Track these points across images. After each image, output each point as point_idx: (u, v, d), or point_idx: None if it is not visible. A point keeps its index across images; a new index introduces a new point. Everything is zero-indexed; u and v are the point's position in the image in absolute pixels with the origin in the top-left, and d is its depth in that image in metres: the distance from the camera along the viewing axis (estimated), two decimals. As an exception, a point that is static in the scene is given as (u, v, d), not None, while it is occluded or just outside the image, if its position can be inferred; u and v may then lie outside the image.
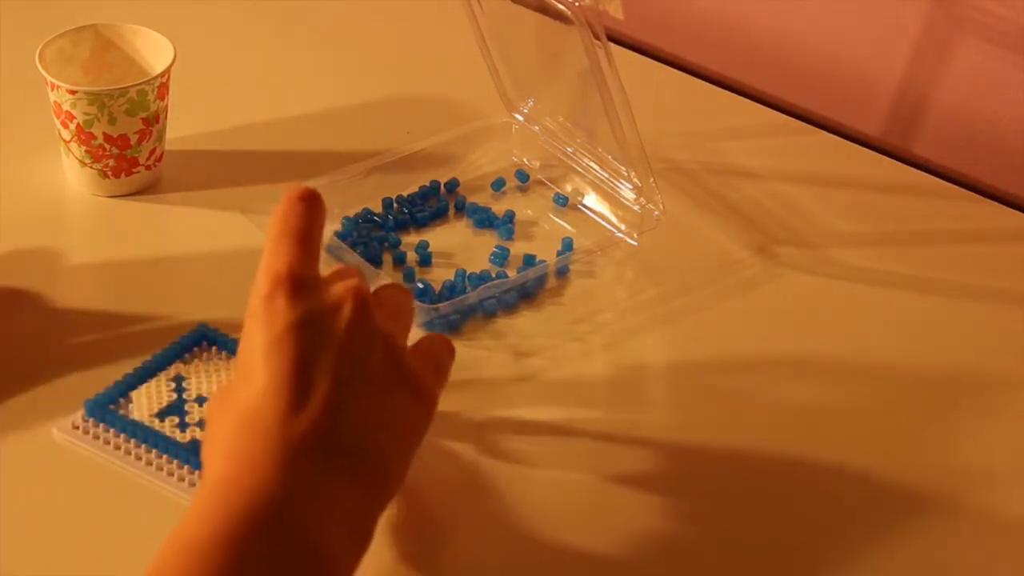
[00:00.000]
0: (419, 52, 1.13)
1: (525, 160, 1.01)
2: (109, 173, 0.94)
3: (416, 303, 0.86)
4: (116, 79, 0.96)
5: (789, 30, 1.11)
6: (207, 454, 0.64)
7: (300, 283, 0.64)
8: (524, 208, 0.97)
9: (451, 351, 0.76)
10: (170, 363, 0.81)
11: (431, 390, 0.69)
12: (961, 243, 0.98)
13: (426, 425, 0.68)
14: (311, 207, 0.67)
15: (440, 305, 0.86)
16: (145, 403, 0.78)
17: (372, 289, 0.70)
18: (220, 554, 0.58)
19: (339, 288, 0.65)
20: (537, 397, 0.83)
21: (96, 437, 0.77)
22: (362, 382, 0.64)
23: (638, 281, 0.92)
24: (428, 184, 0.98)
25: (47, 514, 0.75)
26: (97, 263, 0.91)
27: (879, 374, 0.87)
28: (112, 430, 0.77)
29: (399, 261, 0.92)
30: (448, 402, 0.82)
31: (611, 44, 0.84)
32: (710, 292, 0.91)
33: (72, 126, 0.92)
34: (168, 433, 0.77)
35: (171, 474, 0.75)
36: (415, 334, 0.86)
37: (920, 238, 0.98)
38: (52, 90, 0.92)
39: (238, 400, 0.63)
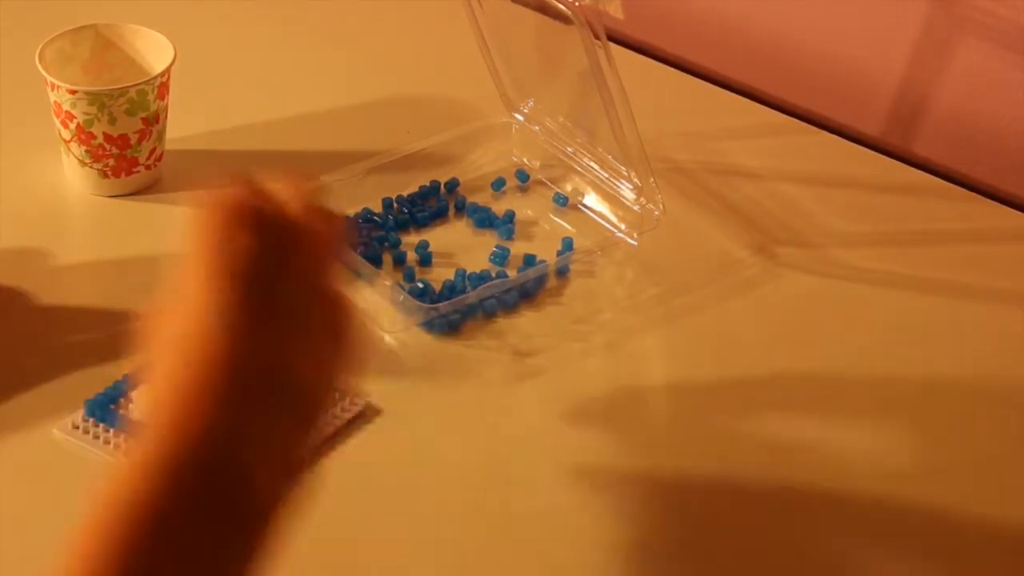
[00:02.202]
0: (419, 52, 1.13)
1: (525, 160, 1.01)
2: (109, 173, 0.94)
3: (416, 303, 0.86)
4: (116, 79, 0.96)
5: (789, 30, 1.11)
6: (154, 392, 0.62)
7: (257, 214, 0.63)
8: (524, 208, 0.97)
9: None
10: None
11: (348, 308, 0.66)
12: (961, 243, 0.98)
13: (348, 353, 0.66)
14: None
15: (440, 305, 0.86)
16: (144, 403, 0.78)
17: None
18: (156, 484, 0.58)
19: (297, 223, 0.64)
20: (537, 397, 0.83)
21: (96, 437, 0.77)
22: (305, 322, 0.63)
23: (638, 281, 0.92)
24: (428, 184, 0.98)
25: (46, 514, 0.75)
26: (97, 263, 0.91)
27: (879, 374, 0.87)
28: (112, 430, 0.77)
29: (399, 261, 0.92)
30: (448, 401, 0.82)
31: (611, 44, 0.84)
32: (710, 292, 0.91)
33: (72, 126, 0.92)
34: (168, 433, 0.77)
35: (171, 474, 0.75)
36: (416, 334, 0.86)
37: (920, 238, 0.98)
38: (52, 90, 0.92)
39: (179, 325, 0.62)
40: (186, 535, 0.58)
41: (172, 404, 0.60)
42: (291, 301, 0.63)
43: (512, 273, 0.91)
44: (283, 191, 0.66)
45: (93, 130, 0.92)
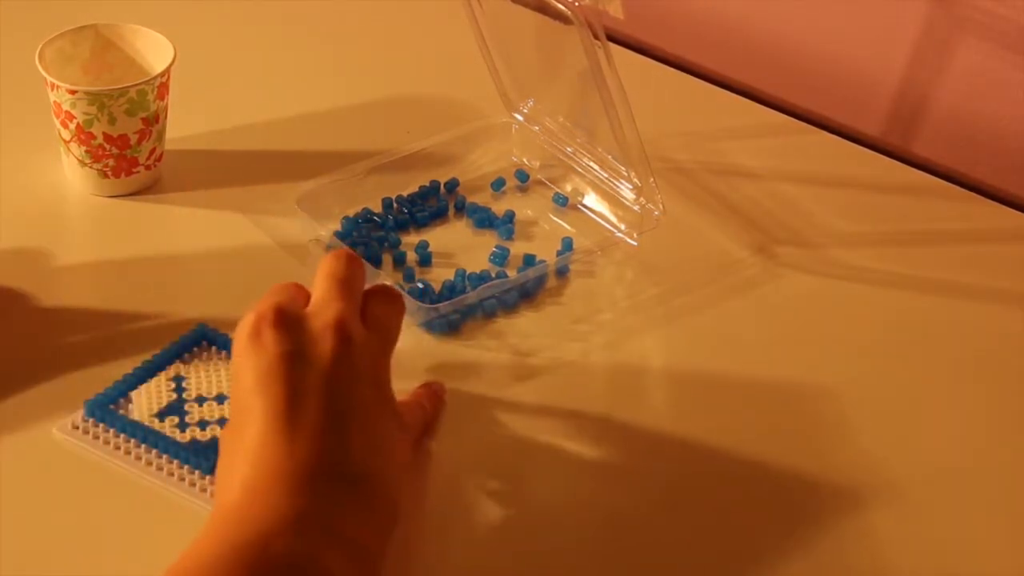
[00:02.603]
0: (419, 52, 1.13)
1: (525, 160, 1.01)
2: (109, 173, 0.94)
3: (416, 303, 0.86)
4: (116, 79, 0.96)
5: (789, 30, 1.11)
6: (220, 485, 0.66)
7: (283, 317, 0.66)
8: (524, 208, 0.97)
9: (441, 403, 0.80)
10: (170, 363, 0.81)
11: (404, 420, 0.71)
12: (961, 243, 0.98)
13: (408, 454, 0.70)
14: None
15: (440, 305, 0.86)
16: (145, 403, 0.78)
17: (364, 289, 0.71)
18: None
19: (321, 320, 0.67)
20: (537, 397, 0.83)
21: (96, 437, 0.77)
22: (352, 410, 0.66)
23: (638, 281, 0.92)
24: (428, 184, 0.98)
25: (47, 514, 0.75)
26: (97, 263, 0.91)
27: (879, 373, 0.87)
28: (112, 430, 0.77)
29: (399, 261, 0.92)
30: (448, 401, 0.82)
31: (611, 44, 0.84)
32: (710, 292, 0.91)
33: (72, 126, 0.92)
34: (168, 433, 0.77)
35: (171, 474, 0.75)
36: (416, 334, 0.86)
37: (920, 238, 0.98)
38: (52, 90, 0.92)
39: (244, 434, 0.65)
40: None
41: (244, 498, 0.63)
42: (365, 403, 0.66)
43: (512, 273, 0.91)
44: (331, 278, 0.70)
45: (93, 130, 0.92)
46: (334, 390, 0.65)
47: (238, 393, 0.66)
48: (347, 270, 0.70)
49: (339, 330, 0.67)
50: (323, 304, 0.68)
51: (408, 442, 0.71)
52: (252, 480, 0.63)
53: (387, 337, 0.71)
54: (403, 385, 0.83)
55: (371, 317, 0.70)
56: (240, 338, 0.67)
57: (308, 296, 0.70)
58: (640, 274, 0.93)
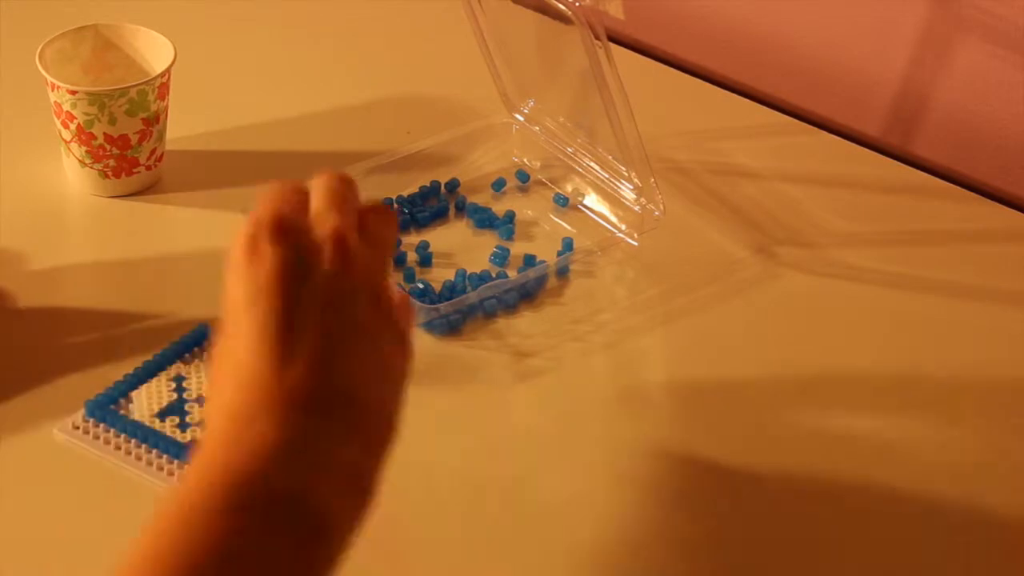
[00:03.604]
0: (419, 52, 1.13)
1: (525, 160, 1.01)
2: (109, 173, 0.94)
3: (417, 303, 0.86)
4: (116, 79, 0.96)
5: (789, 30, 1.11)
6: (208, 410, 0.62)
7: (282, 227, 0.62)
8: (524, 208, 0.97)
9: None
10: (170, 363, 0.81)
11: (405, 330, 0.66)
12: (961, 243, 0.98)
13: (409, 369, 0.66)
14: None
15: (440, 305, 0.86)
16: (145, 403, 0.78)
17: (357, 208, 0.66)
18: (218, 513, 0.57)
19: (319, 232, 0.63)
20: (537, 397, 0.83)
21: (96, 437, 0.77)
22: (350, 332, 0.62)
23: (638, 281, 0.92)
24: (428, 184, 0.98)
25: (47, 514, 0.75)
26: (98, 263, 0.91)
27: (879, 373, 0.87)
28: (112, 430, 0.77)
29: (399, 261, 0.92)
30: (448, 402, 0.82)
31: (611, 44, 0.84)
32: (710, 292, 0.91)
33: (72, 126, 0.92)
34: (169, 433, 0.77)
35: (172, 474, 0.75)
36: (417, 334, 0.86)
37: (920, 238, 0.98)
38: (52, 90, 0.92)
39: (232, 354, 0.61)
40: (249, 555, 0.56)
41: (230, 426, 0.59)
42: (336, 313, 0.62)
43: (512, 273, 0.91)
44: (327, 194, 0.65)
45: (93, 130, 0.92)
46: (332, 307, 0.61)
47: (229, 308, 0.62)
48: (342, 185, 0.66)
49: (338, 242, 0.62)
50: (321, 216, 0.64)
51: (407, 351, 0.66)
52: (240, 406, 0.59)
53: (385, 251, 0.66)
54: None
55: (368, 232, 0.65)
56: (236, 251, 0.62)
57: (307, 200, 0.65)
58: (640, 274, 0.93)
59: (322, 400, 0.60)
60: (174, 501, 0.58)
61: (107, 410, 0.78)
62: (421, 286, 0.89)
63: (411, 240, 0.93)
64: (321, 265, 0.62)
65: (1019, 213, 1.01)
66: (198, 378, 0.80)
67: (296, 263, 0.61)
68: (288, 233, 0.62)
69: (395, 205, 0.96)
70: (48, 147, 0.96)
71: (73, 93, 0.90)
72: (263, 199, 0.64)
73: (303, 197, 0.65)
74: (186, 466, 0.59)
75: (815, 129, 1.08)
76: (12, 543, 0.72)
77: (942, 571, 0.75)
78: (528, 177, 0.99)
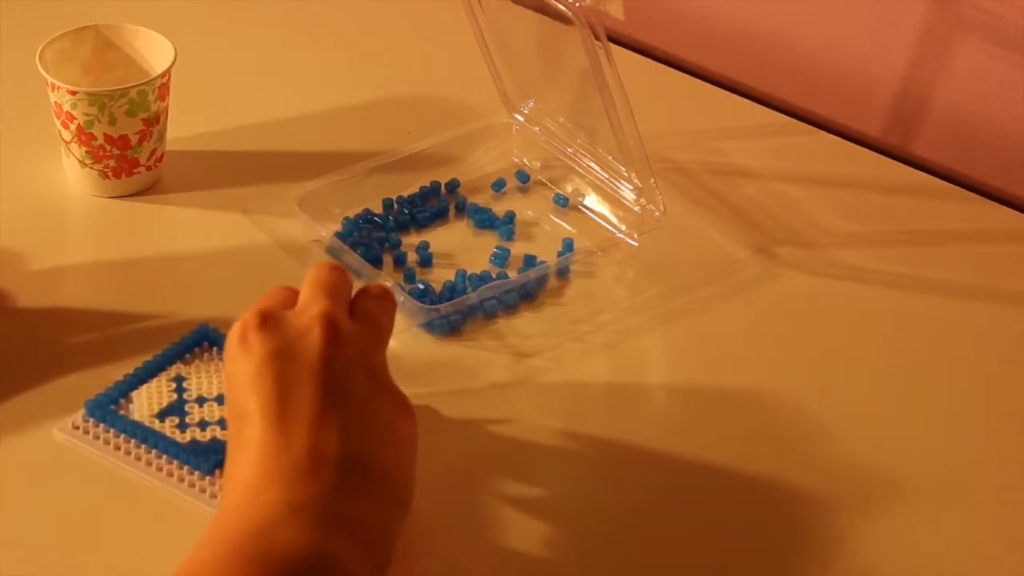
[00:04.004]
0: (419, 52, 1.13)
1: (525, 161, 1.01)
2: (110, 174, 0.94)
3: (417, 304, 0.86)
4: (117, 79, 0.96)
5: (789, 30, 1.11)
6: (224, 492, 0.67)
7: (267, 318, 0.68)
8: (524, 209, 0.97)
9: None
10: (170, 363, 0.81)
11: (409, 402, 0.71)
12: (961, 243, 0.98)
13: (416, 437, 0.70)
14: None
15: (441, 306, 0.86)
16: (145, 403, 0.78)
17: (354, 292, 0.71)
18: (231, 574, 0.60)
19: (306, 316, 0.68)
20: (537, 397, 0.83)
21: (96, 437, 0.77)
22: (346, 397, 0.66)
23: (638, 281, 0.92)
24: (428, 184, 0.98)
25: (47, 514, 0.75)
26: (98, 264, 0.91)
27: (879, 373, 0.87)
28: (112, 430, 0.77)
29: (399, 262, 0.92)
30: (449, 402, 0.82)
31: (611, 44, 0.84)
32: (710, 292, 0.91)
33: (72, 127, 0.92)
34: (168, 433, 0.77)
35: (171, 474, 0.75)
36: (417, 335, 0.86)
37: (920, 238, 0.98)
38: (53, 91, 0.92)
39: (243, 438, 0.66)
40: None
41: (243, 497, 0.63)
42: (360, 391, 0.67)
43: (512, 274, 0.91)
44: (314, 283, 0.70)
45: (93, 131, 0.92)
46: (325, 379, 0.66)
47: (234, 400, 0.67)
48: (330, 276, 0.71)
49: (325, 322, 0.67)
50: (308, 303, 0.69)
51: (412, 421, 0.70)
52: (253, 479, 0.64)
53: (378, 329, 0.71)
54: (403, 386, 0.83)
55: (360, 312, 0.71)
56: (230, 346, 0.68)
57: (295, 295, 0.71)
58: (640, 274, 0.93)
59: (330, 460, 0.64)
60: (191, 568, 0.60)
61: (107, 410, 0.78)
62: (422, 287, 0.89)
63: (411, 240, 0.93)
64: (310, 343, 0.67)
65: (1019, 213, 1.01)
66: (198, 378, 0.80)
67: (283, 346, 0.67)
68: (272, 320, 0.68)
69: (396, 205, 0.96)
70: (48, 147, 0.96)
71: (73, 93, 0.90)
72: (255, 303, 0.70)
73: (291, 293, 0.71)
74: (203, 537, 0.63)
75: (815, 129, 1.08)
76: (12, 543, 0.72)
77: (944, 570, 0.75)
78: (528, 177, 0.99)
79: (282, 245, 0.92)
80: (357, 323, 0.69)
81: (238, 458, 0.65)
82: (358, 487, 0.64)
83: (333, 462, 0.64)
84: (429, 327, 0.86)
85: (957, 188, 1.02)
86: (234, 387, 0.67)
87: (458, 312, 0.87)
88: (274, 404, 0.65)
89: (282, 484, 0.63)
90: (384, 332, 0.72)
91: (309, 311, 0.68)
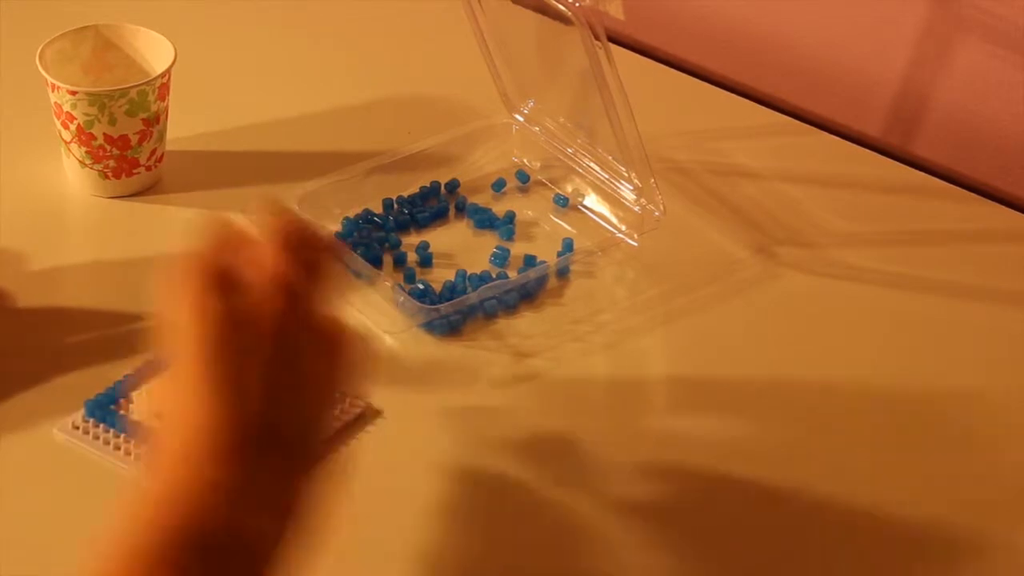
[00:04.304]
0: (419, 52, 1.13)
1: (525, 161, 1.01)
2: (109, 174, 0.94)
3: (417, 304, 0.86)
4: (117, 80, 0.96)
5: (789, 30, 1.11)
6: (157, 454, 0.62)
7: (216, 276, 0.62)
8: (524, 209, 0.97)
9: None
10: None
11: (336, 332, 0.65)
12: (961, 243, 0.98)
13: (340, 367, 0.65)
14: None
15: (441, 306, 0.86)
16: (145, 403, 0.78)
17: (286, 234, 0.65)
18: (164, 557, 0.59)
19: (266, 279, 0.62)
20: (537, 397, 0.83)
21: (96, 437, 0.77)
22: (289, 371, 0.62)
23: (638, 281, 0.92)
24: (428, 185, 0.98)
25: (47, 514, 0.75)
26: (98, 263, 0.91)
27: (879, 373, 0.87)
28: (112, 430, 0.77)
29: (399, 262, 0.92)
30: (449, 402, 0.82)
31: (611, 44, 0.84)
32: (710, 292, 0.91)
33: (72, 127, 0.92)
34: (168, 433, 0.77)
35: (171, 474, 0.75)
36: (417, 335, 0.86)
37: (920, 238, 0.98)
38: (53, 91, 0.92)
39: (179, 399, 0.62)
40: None
41: (179, 470, 0.61)
42: (301, 357, 0.63)
43: (512, 274, 0.91)
44: (259, 227, 0.65)
45: (93, 131, 0.92)
46: (276, 354, 0.62)
47: (170, 353, 0.62)
48: (293, 232, 0.65)
49: (287, 292, 0.62)
50: (268, 263, 0.63)
51: (339, 355, 0.65)
52: (184, 451, 0.60)
53: (325, 282, 0.65)
54: (403, 386, 0.83)
55: (309, 264, 0.65)
56: (172, 292, 0.62)
57: (242, 243, 0.65)
58: (640, 274, 0.93)
59: (265, 440, 0.61)
60: (122, 543, 0.60)
61: (107, 410, 0.78)
62: (421, 287, 0.89)
63: (411, 240, 0.93)
64: (268, 315, 0.62)
65: (1019, 213, 1.01)
66: (198, 378, 0.80)
67: (237, 311, 0.61)
68: (229, 280, 0.62)
69: (396, 205, 0.96)
70: (48, 147, 0.96)
71: (73, 94, 0.90)
72: (201, 245, 0.64)
73: (241, 239, 0.65)
74: (133, 507, 0.61)
75: (815, 129, 1.08)
76: (12, 543, 0.72)
77: (944, 571, 0.75)
78: (528, 177, 0.99)
79: (282, 245, 0.92)
80: (307, 276, 0.64)
81: (175, 424, 0.61)
82: (282, 456, 0.62)
83: (269, 441, 0.61)
84: (429, 327, 0.86)
85: (957, 188, 1.02)
86: (174, 345, 0.61)
87: (458, 312, 0.87)
88: (218, 375, 0.60)
89: (218, 461, 0.60)
90: (328, 282, 0.65)
91: (268, 274, 0.63)
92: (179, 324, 0.62)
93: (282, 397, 0.63)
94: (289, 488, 0.62)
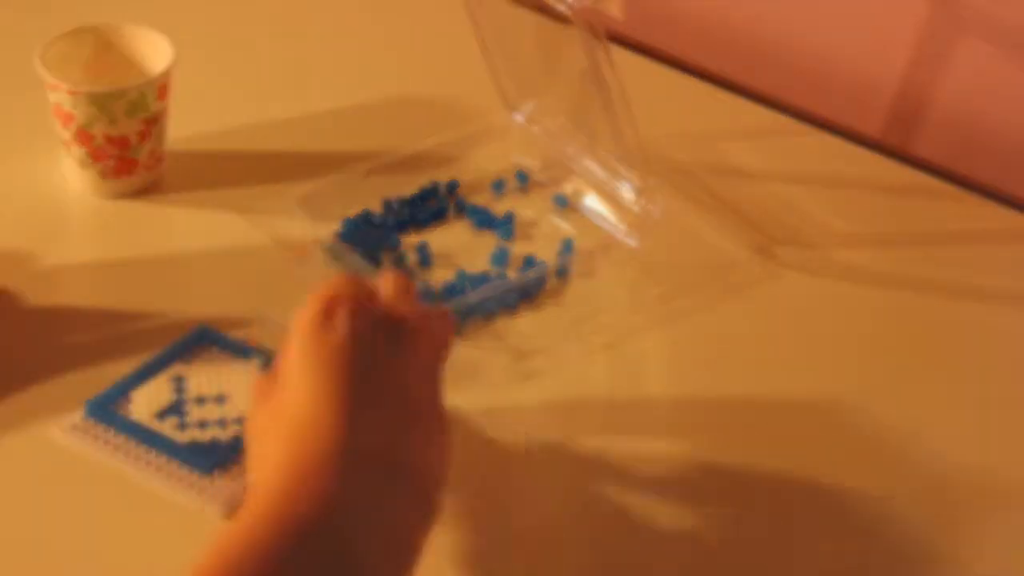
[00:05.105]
0: (419, 52, 1.13)
1: (525, 161, 1.01)
2: (109, 174, 0.94)
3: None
4: (117, 80, 0.96)
5: (789, 30, 1.11)
6: (254, 465, 0.66)
7: (358, 300, 0.67)
8: (524, 209, 0.97)
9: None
10: (170, 363, 0.81)
11: (448, 422, 0.70)
12: (961, 243, 0.98)
13: (448, 454, 0.70)
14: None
15: (440, 306, 0.86)
16: (145, 403, 0.79)
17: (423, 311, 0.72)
18: (266, 564, 0.59)
19: (395, 314, 0.68)
20: (537, 398, 0.83)
21: (96, 437, 0.77)
22: (415, 406, 0.66)
23: (638, 282, 0.92)
24: (428, 185, 0.98)
25: (47, 514, 0.75)
26: (97, 264, 0.91)
27: (879, 374, 0.87)
28: (112, 430, 0.77)
29: (399, 262, 0.92)
30: (449, 401, 0.82)
31: (611, 44, 0.84)
32: (710, 292, 0.91)
33: (72, 127, 0.92)
34: (168, 433, 0.77)
35: (171, 475, 0.75)
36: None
37: (920, 238, 0.98)
38: (52, 91, 0.92)
39: (286, 412, 0.64)
40: None
41: (289, 478, 0.62)
42: (399, 386, 0.66)
43: (512, 274, 0.91)
44: (388, 287, 0.70)
45: (93, 131, 0.92)
46: (404, 380, 0.66)
47: (293, 368, 0.65)
48: (408, 283, 0.72)
49: (412, 325, 0.68)
50: (393, 302, 0.69)
51: (450, 444, 0.70)
52: (295, 460, 0.62)
53: (445, 345, 0.71)
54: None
55: (434, 329, 0.71)
56: (306, 315, 0.66)
57: (374, 290, 0.70)
58: (640, 275, 0.93)
59: (385, 460, 0.63)
60: (222, 549, 0.60)
61: (107, 410, 0.78)
62: (421, 287, 0.89)
63: (411, 240, 0.93)
64: (393, 344, 0.66)
65: (1019, 213, 1.01)
66: (198, 379, 0.80)
67: (370, 335, 0.66)
68: (365, 307, 0.67)
69: (395, 205, 0.96)
70: (48, 147, 0.96)
71: (73, 94, 0.90)
72: (333, 281, 0.68)
73: (370, 287, 0.70)
74: (236, 515, 0.62)
75: (815, 129, 1.08)
76: (12, 543, 0.73)
77: (944, 572, 0.75)
78: (528, 178, 0.99)
79: (282, 245, 0.92)
80: (429, 334, 0.70)
81: (278, 433, 0.64)
82: (402, 491, 0.63)
83: (389, 461, 0.63)
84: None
85: (957, 188, 1.02)
86: (299, 358, 0.65)
87: (458, 312, 0.87)
88: (348, 387, 0.64)
89: (337, 473, 0.62)
90: (449, 349, 0.72)
91: (397, 310, 0.68)
92: (306, 337, 0.65)
93: (406, 429, 0.65)
94: (411, 526, 0.64)
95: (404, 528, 0.63)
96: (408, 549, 0.63)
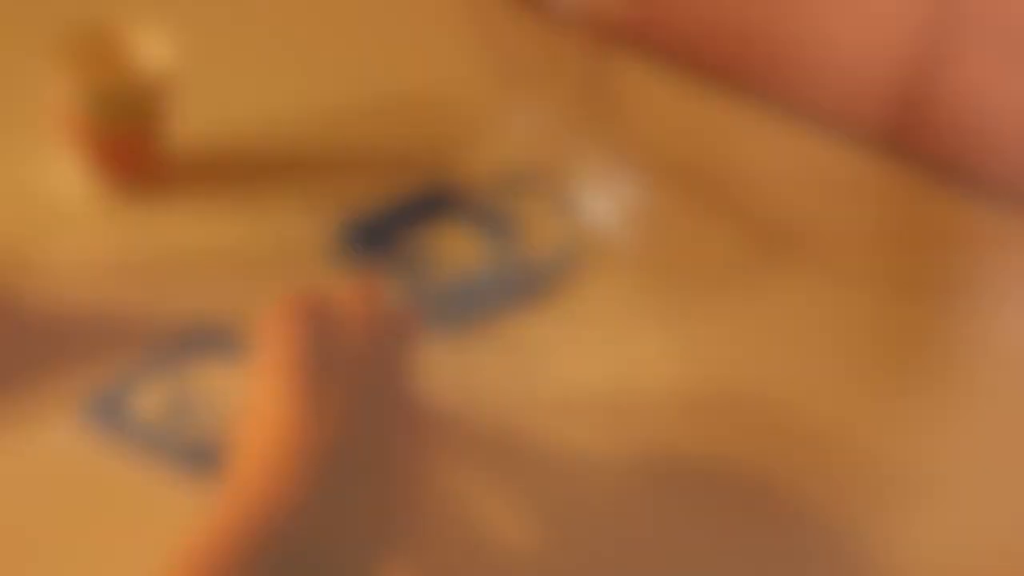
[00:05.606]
0: (419, 52, 1.13)
1: (525, 161, 1.01)
2: (110, 174, 0.94)
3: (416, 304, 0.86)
4: (117, 79, 0.96)
5: (789, 30, 1.11)
6: (241, 465, 0.66)
7: (309, 308, 0.69)
8: (524, 209, 0.97)
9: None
10: (170, 363, 0.81)
11: (419, 417, 0.71)
12: (961, 243, 0.98)
13: (426, 451, 0.71)
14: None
15: (440, 306, 0.86)
16: (145, 403, 0.79)
17: (376, 307, 0.73)
18: (236, 563, 0.60)
19: (351, 314, 0.70)
20: (537, 397, 0.83)
21: (96, 437, 0.77)
22: (376, 400, 0.67)
23: (637, 282, 0.92)
24: (428, 185, 0.98)
25: (46, 514, 0.75)
26: (97, 263, 0.91)
27: (879, 374, 0.87)
28: (112, 430, 0.77)
29: (398, 262, 0.92)
30: (448, 402, 0.82)
31: (610, 44, 0.84)
32: (710, 293, 0.91)
33: (72, 127, 0.92)
34: (168, 433, 0.77)
35: (171, 474, 0.75)
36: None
37: (919, 239, 0.98)
38: (52, 91, 0.92)
39: (264, 412, 0.66)
40: None
41: (260, 479, 0.64)
42: (363, 385, 0.68)
43: (510, 274, 0.91)
44: (347, 294, 0.72)
45: (94, 131, 0.92)
46: (360, 378, 0.67)
47: (263, 376, 0.67)
48: (365, 288, 0.73)
49: (365, 322, 0.69)
50: (351, 302, 0.71)
51: (426, 439, 0.72)
52: (271, 459, 0.64)
53: (408, 340, 0.73)
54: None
55: (391, 324, 0.72)
56: (268, 325, 0.69)
57: (330, 301, 0.72)
58: (639, 275, 0.93)
59: (349, 458, 0.64)
60: (197, 548, 0.61)
61: (107, 410, 0.78)
62: (421, 287, 0.89)
63: (410, 240, 0.93)
64: (350, 343, 0.68)
65: (1019, 213, 1.01)
66: (198, 378, 0.80)
67: (324, 339, 0.68)
68: (316, 313, 0.69)
69: (394, 205, 0.96)
70: (48, 147, 0.96)
71: (73, 94, 0.90)
72: (288, 297, 0.71)
73: (326, 295, 0.72)
74: (213, 509, 0.63)
75: (815, 129, 1.08)
76: (12, 543, 0.73)
77: (944, 571, 0.75)
78: (527, 178, 1.00)
79: (282, 245, 0.92)
80: (392, 328, 0.72)
81: (256, 436, 0.66)
82: (376, 483, 0.65)
83: (356, 459, 0.65)
84: (428, 327, 0.86)
85: (957, 188, 1.02)
86: (267, 365, 0.68)
87: (455, 312, 0.87)
88: (306, 390, 0.66)
89: (303, 473, 0.63)
90: (410, 344, 0.73)
91: (353, 309, 0.70)
92: (270, 345, 0.68)
93: (369, 423, 0.66)
94: (385, 515, 0.64)
95: (377, 515, 0.64)
96: (384, 542, 0.64)
